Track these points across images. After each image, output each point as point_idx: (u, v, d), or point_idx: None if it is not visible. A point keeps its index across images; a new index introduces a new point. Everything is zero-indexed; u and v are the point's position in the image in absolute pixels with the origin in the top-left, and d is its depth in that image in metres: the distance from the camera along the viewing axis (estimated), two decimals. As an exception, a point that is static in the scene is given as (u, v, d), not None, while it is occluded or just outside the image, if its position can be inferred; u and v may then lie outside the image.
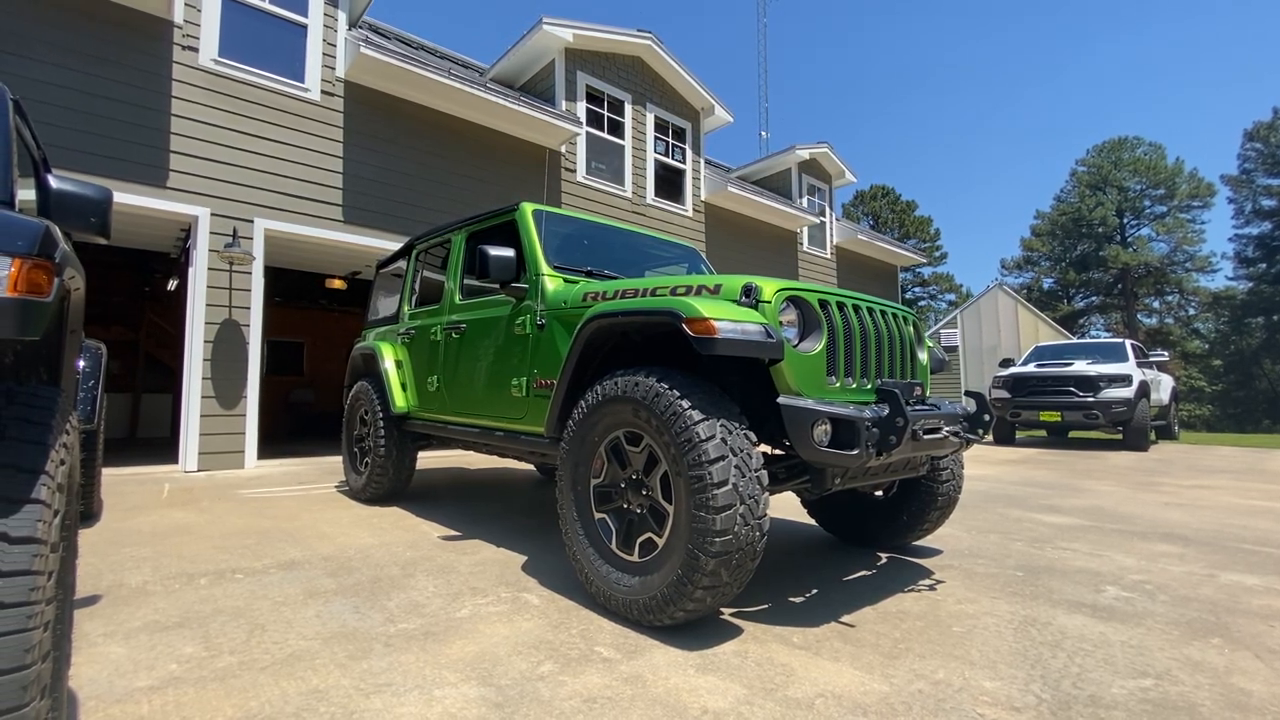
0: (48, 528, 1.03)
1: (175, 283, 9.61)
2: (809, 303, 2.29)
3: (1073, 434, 12.21)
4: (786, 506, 4.17)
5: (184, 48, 6.13)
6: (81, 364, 3.40)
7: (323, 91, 6.98)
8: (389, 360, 4.35)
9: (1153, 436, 10.94)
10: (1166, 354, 11.57)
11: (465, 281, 3.82)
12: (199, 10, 6.22)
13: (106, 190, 1.88)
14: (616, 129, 9.94)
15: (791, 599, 2.49)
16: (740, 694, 1.68)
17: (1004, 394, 9.91)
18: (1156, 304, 37.58)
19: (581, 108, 9.29)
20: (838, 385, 2.31)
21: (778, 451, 2.60)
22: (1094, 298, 38.83)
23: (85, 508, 3.61)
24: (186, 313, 6.23)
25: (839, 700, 1.66)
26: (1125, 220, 37.50)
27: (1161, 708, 1.64)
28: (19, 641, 0.95)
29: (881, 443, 2.11)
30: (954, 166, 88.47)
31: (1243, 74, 63.35)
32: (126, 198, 5.68)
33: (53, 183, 1.84)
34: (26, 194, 2.06)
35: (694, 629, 2.13)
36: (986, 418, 2.68)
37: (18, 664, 0.95)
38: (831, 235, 14.75)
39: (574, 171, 9.28)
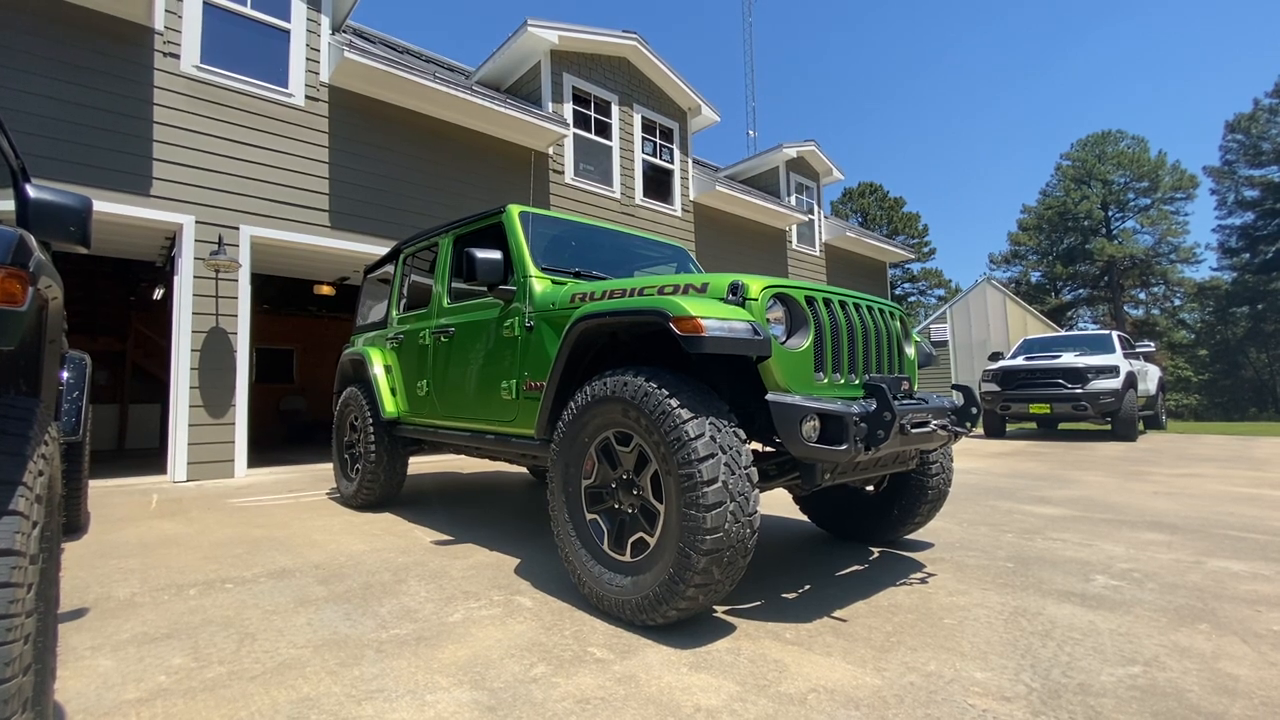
0: (26, 539, 1.02)
1: (161, 291, 9.54)
2: (795, 300, 2.30)
3: (1062, 426, 12.32)
4: (779, 503, 4.18)
5: (165, 54, 6.08)
6: (65, 375, 3.36)
7: (307, 97, 6.94)
8: (378, 365, 4.33)
9: (1141, 427, 11.04)
10: (1153, 345, 11.69)
11: (453, 285, 3.81)
12: (180, 17, 6.17)
13: (86, 199, 1.86)
14: (604, 130, 9.94)
15: (784, 595, 2.49)
16: (733, 691, 1.68)
17: (994, 387, 9.99)
18: (1143, 295, 38.02)
19: (568, 109, 9.29)
20: (825, 381, 2.32)
21: (768, 449, 2.61)
22: (1081, 290, 39.23)
23: (72, 520, 3.57)
24: (173, 322, 6.17)
25: (831, 695, 1.66)
26: (1110, 213, 37.91)
27: (1150, 694, 1.65)
28: (-2, 655, 0.94)
29: (869, 438, 2.12)
30: (941, 163, 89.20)
31: (1224, 66, 64.15)
32: (110, 206, 5.62)
33: (31, 192, 1.81)
34: (5, 204, 2.04)
35: (687, 627, 2.13)
36: (974, 410, 2.70)
37: (-3, 677, 0.94)
38: (820, 233, 14.81)
39: (562, 173, 9.28)
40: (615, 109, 10.06)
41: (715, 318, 2.04)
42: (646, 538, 2.15)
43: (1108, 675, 1.76)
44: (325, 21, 7.13)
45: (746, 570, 2.08)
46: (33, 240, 1.16)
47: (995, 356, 10.93)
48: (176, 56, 6.13)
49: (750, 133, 20.41)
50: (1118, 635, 2.05)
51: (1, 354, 1.29)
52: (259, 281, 8.67)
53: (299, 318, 13.44)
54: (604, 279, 3.19)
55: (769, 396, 2.11)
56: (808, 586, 2.60)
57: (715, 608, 2.32)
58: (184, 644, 2.02)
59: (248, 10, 6.64)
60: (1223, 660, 1.86)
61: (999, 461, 7.05)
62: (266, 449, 9.55)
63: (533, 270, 3.10)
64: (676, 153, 11.12)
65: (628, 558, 2.21)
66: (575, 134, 9.44)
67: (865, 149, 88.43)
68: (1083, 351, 10.06)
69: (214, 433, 6.17)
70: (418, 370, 3.97)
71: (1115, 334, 10.74)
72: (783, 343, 2.23)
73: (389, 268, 4.75)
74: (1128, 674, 1.77)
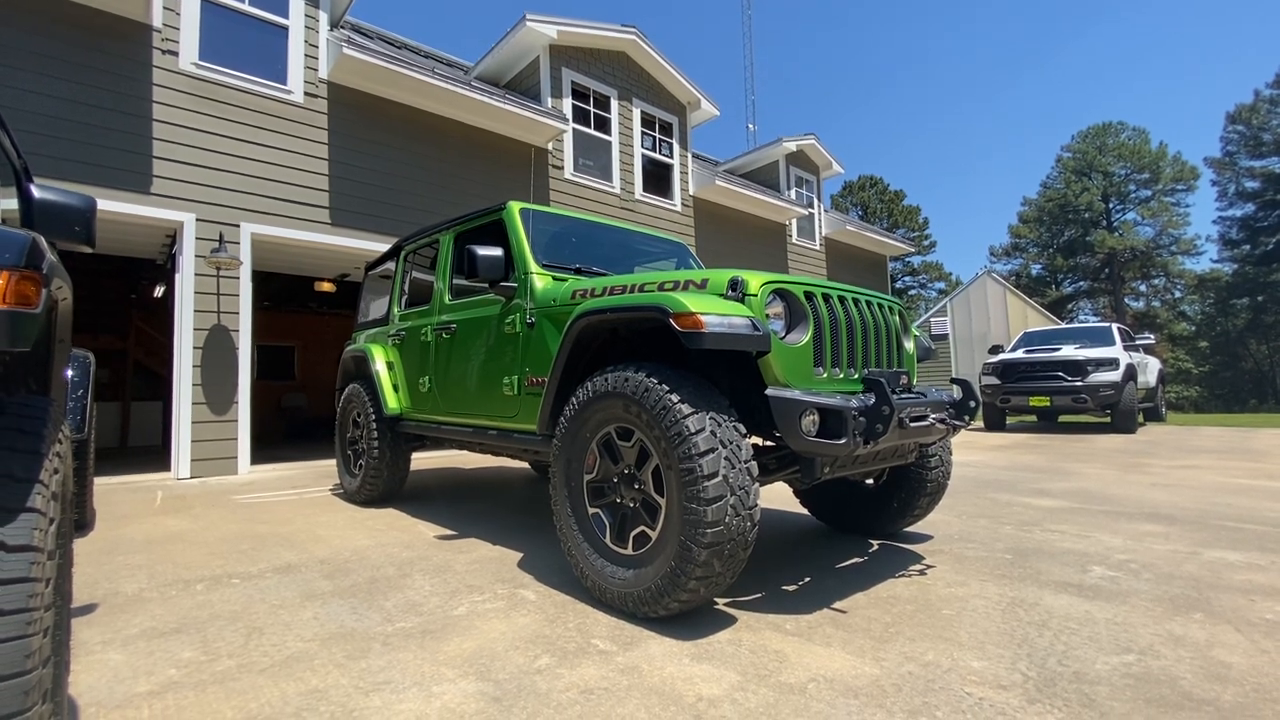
0: (44, 535, 1.04)
1: (163, 289, 9.55)
2: (795, 295, 2.31)
3: (1062, 418, 12.34)
4: (779, 497, 4.21)
5: (164, 52, 6.07)
6: (70, 373, 3.38)
7: (306, 93, 6.94)
8: (380, 362, 4.35)
9: (1140, 419, 11.07)
10: (1153, 337, 11.70)
11: (454, 282, 3.83)
12: (178, 14, 6.16)
13: (90, 199, 1.87)
14: (603, 125, 9.92)
15: (784, 587, 2.52)
16: (734, 681, 1.71)
17: (994, 380, 10.00)
18: (1143, 287, 38.00)
19: (568, 104, 9.27)
20: (825, 376, 2.34)
21: (768, 443, 2.63)
22: (1082, 283, 39.19)
23: (78, 517, 3.60)
24: (175, 320, 6.19)
25: (831, 684, 1.69)
26: (1111, 205, 37.84)
27: (1144, 681, 1.68)
28: (19, 647, 0.97)
29: (868, 431, 2.14)
30: (941, 155, 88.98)
31: (1225, 57, 63.90)
32: (110, 205, 5.63)
33: (35, 192, 1.83)
34: (9, 204, 2.05)
35: (688, 619, 2.16)
36: (972, 404, 2.72)
37: (19, 669, 0.96)
38: (820, 226, 14.79)
39: (561, 168, 9.27)
40: (614, 104, 10.03)
41: (715, 314, 2.06)
42: (648, 531, 2.18)
43: (1103, 664, 1.79)
44: (323, 18, 7.11)
45: (747, 563, 2.11)
46: (44, 242, 1.18)
47: (995, 349, 10.94)
48: (175, 54, 6.13)
49: (750, 126, 20.37)
50: (1113, 625, 2.08)
51: (15, 355, 1.31)
52: (260, 278, 8.66)
53: (300, 315, 13.45)
54: (605, 275, 3.21)
55: (768, 391, 2.13)
56: (807, 579, 2.63)
57: (716, 600, 2.35)
58: (193, 638, 2.06)
59: (246, 7, 6.62)
60: (1216, 648, 1.89)
61: (998, 454, 7.08)
62: (268, 446, 9.58)
63: (533, 267, 3.12)
64: (676, 147, 11.10)
65: (630, 551, 2.23)
66: (575, 129, 9.42)
67: (865, 142, 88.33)
68: (1083, 344, 10.07)
69: (217, 430, 6.19)
70: (420, 367, 3.99)
71: (1115, 326, 10.75)
72: (782, 338, 2.25)
73: (390, 265, 4.76)
74: (1122, 662, 1.80)
